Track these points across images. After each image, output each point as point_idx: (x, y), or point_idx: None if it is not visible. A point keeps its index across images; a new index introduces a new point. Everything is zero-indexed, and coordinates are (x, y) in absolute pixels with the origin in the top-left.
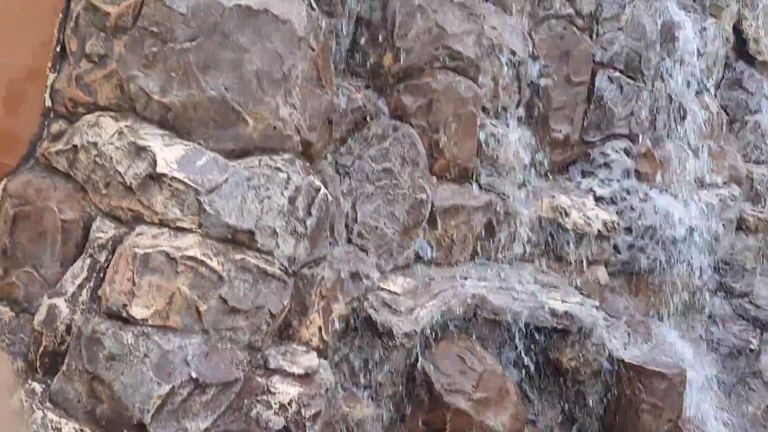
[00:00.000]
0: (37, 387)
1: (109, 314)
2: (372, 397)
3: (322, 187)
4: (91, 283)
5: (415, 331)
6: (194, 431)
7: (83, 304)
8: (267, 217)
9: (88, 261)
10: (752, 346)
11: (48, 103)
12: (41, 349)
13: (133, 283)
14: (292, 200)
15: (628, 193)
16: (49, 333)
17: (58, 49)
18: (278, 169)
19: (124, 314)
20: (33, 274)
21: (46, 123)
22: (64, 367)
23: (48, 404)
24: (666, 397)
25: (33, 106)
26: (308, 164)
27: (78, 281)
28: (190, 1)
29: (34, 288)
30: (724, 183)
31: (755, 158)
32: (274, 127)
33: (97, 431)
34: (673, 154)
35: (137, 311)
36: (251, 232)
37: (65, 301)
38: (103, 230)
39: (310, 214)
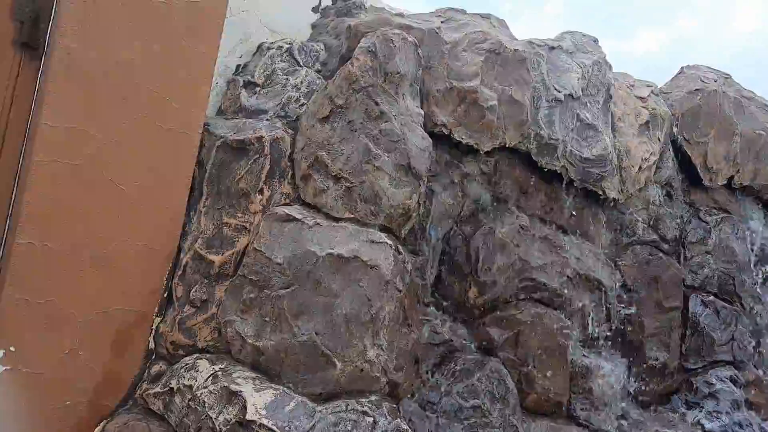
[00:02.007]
0: None
1: None
2: None
3: (410, 429)
4: None
5: None
6: None
7: None
8: None
9: None
10: None
11: (151, 345)
12: None
13: None
14: None
15: (741, 426)
16: None
17: (165, 295)
18: (365, 413)
19: None
20: None
21: (147, 365)
22: None
23: None
24: None
25: (137, 349)
26: (395, 406)
27: None
28: (286, 251)
29: None
30: None
31: None
32: (362, 370)
33: None
34: None
35: None
36: None
37: None
38: None
39: None
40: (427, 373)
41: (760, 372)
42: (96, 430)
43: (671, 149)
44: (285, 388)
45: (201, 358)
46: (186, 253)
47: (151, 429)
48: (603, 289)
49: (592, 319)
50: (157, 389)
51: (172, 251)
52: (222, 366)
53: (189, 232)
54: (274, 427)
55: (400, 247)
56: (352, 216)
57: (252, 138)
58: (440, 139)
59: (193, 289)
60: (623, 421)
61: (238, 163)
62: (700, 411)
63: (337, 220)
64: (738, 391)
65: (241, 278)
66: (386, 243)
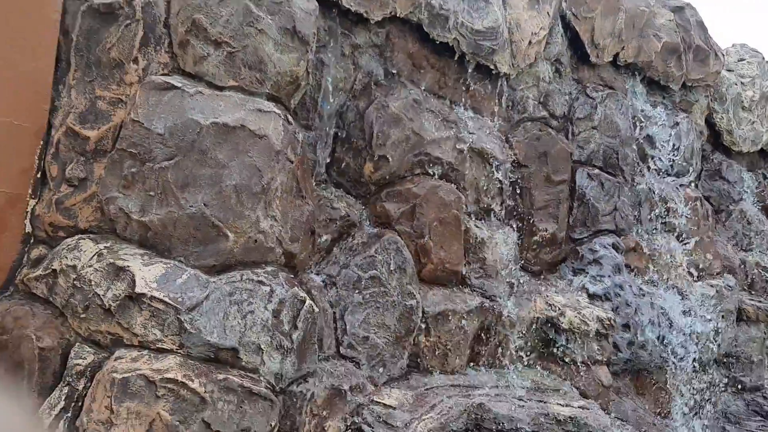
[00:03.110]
0: None
1: None
2: None
3: (308, 298)
4: (69, 414)
5: None
6: None
7: None
8: (251, 332)
9: (65, 390)
10: None
11: (28, 228)
12: None
13: (111, 411)
14: (276, 313)
15: (622, 288)
16: None
17: (38, 176)
18: (261, 282)
19: None
20: None
21: (26, 249)
22: None
23: None
24: None
25: (13, 233)
26: (292, 276)
27: (55, 411)
28: (167, 121)
29: None
30: (718, 273)
31: (746, 246)
32: (255, 240)
33: None
34: (662, 247)
35: None
36: (235, 350)
37: None
38: (82, 356)
39: (296, 327)
40: (325, 249)
41: (638, 238)
42: None
43: (560, 25)
44: (176, 262)
45: (84, 239)
46: (57, 129)
47: (35, 313)
48: (495, 163)
49: (485, 192)
50: (39, 272)
51: (42, 128)
52: (107, 245)
53: (59, 107)
54: (166, 299)
55: (289, 117)
56: (236, 84)
57: (121, 1)
58: (328, 6)
59: (69, 168)
60: (515, 289)
61: (107, 30)
62: (585, 276)
63: (220, 88)
64: (619, 257)
65: (120, 152)
66: (275, 112)
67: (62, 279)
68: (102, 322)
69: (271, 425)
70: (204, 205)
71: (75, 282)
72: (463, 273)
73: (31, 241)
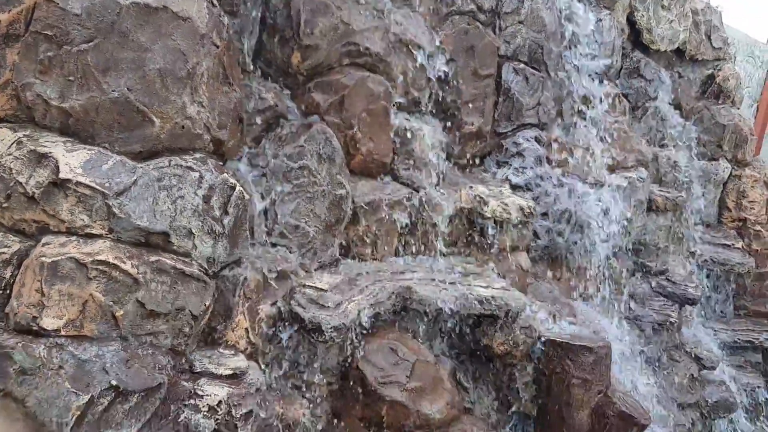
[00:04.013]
0: None
1: (19, 329)
2: (308, 398)
3: (238, 184)
4: None
5: (344, 324)
6: None
7: None
8: (181, 217)
9: None
10: (672, 319)
11: None
12: None
13: (42, 294)
14: (206, 199)
15: (542, 179)
16: None
17: None
18: (190, 168)
19: (35, 327)
20: None
21: None
22: None
23: None
24: (594, 369)
25: None
26: (221, 163)
27: None
28: (84, 1)
29: None
30: (632, 166)
31: (659, 142)
32: (183, 126)
33: None
34: (581, 141)
35: (48, 322)
36: (166, 234)
37: None
38: (7, 245)
39: (226, 212)
40: (253, 139)
41: (559, 132)
42: None
43: None
44: (100, 149)
45: (1, 128)
46: None
47: None
48: (423, 55)
49: (413, 84)
50: None
51: None
52: (26, 133)
53: None
54: (92, 184)
55: (214, 0)
56: None
57: None
58: None
59: None
60: (441, 180)
61: None
62: (509, 168)
63: None
64: (541, 149)
65: (34, 35)
66: None
67: None
68: (26, 210)
69: (205, 305)
70: (127, 89)
71: None
72: (392, 164)
73: None
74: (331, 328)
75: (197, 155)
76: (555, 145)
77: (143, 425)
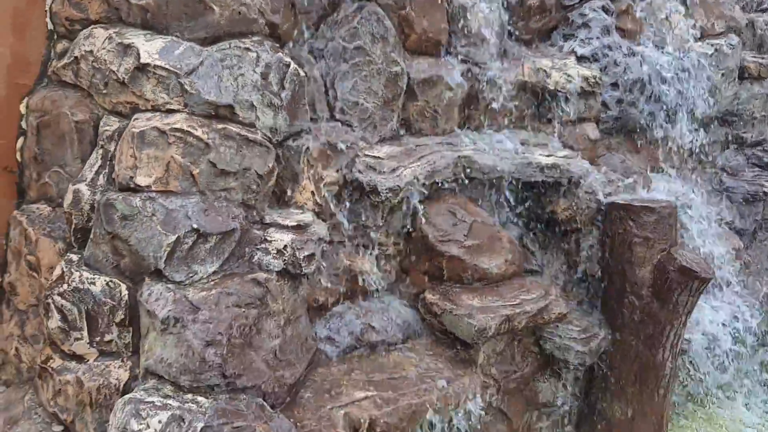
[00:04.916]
0: (74, 257)
1: (121, 188)
2: (376, 255)
3: (292, 62)
4: (106, 170)
5: (398, 186)
6: (203, 274)
7: (101, 187)
8: (243, 92)
9: (100, 152)
10: (766, 189)
11: (50, 26)
12: (72, 227)
13: (135, 158)
14: (264, 76)
15: (610, 49)
16: (77, 213)
17: None
18: (248, 49)
19: (132, 185)
20: (60, 173)
21: (51, 44)
22: (91, 236)
23: (84, 267)
24: (656, 228)
25: (38, 31)
26: (277, 45)
27: (95, 169)
28: None
29: (63, 184)
30: (721, 33)
31: (755, 8)
32: (239, 12)
33: (124, 281)
34: (656, 9)
35: (141, 180)
36: (231, 107)
37: (86, 185)
38: (109, 125)
39: (283, 87)
40: (313, 26)
41: (632, 1)
42: (21, 105)
43: None
44: (173, 37)
45: (96, 28)
46: None
47: (67, 95)
48: None
49: None
50: (65, 62)
51: None
52: (115, 30)
53: None
54: (167, 66)
55: None
56: None
57: None
58: None
59: None
60: (503, 56)
61: None
62: (574, 40)
63: None
64: (609, 19)
65: None
66: None
67: (83, 64)
68: (120, 93)
69: (269, 166)
70: None
71: (93, 64)
72: (449, 42)
73: (54, 36)
74: (386, 189)
75: (255, 38)
76: (626, 15)
77: (223, 262)
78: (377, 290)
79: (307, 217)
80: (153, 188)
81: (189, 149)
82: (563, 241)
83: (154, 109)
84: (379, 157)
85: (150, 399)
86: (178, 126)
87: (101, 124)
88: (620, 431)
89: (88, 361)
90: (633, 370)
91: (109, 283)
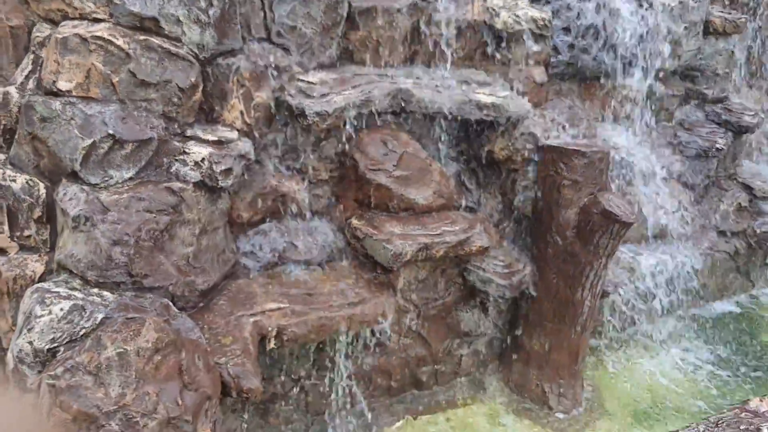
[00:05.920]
0: (2, 156)
1: (45, 92)
2: (309, 180)
3: None
4: (36, 75)
5: (326, 111)
6: (118, 179)
7: (30, 91)
8: (169, 6)
9: (31, 57)
10: (718, 146)
11: None
12: (1, 128)
13: (58, 64)
14: None
15: None
16: (6, 114)
17: None
18: None
19: (54, 89)
20: None
21: None
22: (16, 137)
23: (8, 165)
24: (585, 172)
25: None
26: None
27: (25, 73)
28: None
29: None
30: None
31: None
32: None
33: (42, 180)
34: None
35: (62, 85)
36: (155, 19)
37: (15, 88)
38: (41, 31)
39: (211, 4)
40: None
41: None
42: None
43: None
44: None
45: None
46: None
47: (5, 1)
48: None
49: None
50: None
51: None
52: None
53: None
54: None
55: None
56: None
57: None
58: None
59: None
60: None
61: None
62: None
63: None
64: None
65: None
66: None
67: None
68: (52, 1)
69: (191, 81)
70: None
71: None
72: None
73: None
74: (313, 113)
75: None
76: None
77: (140, 170)
78: (303, 212)
79: (232, 134)
80: (74, 93)
81: (110, 58)
82: (502, 181)
83: (82, 17)
84: (311, 82)
85: (56, 289)
86: (99, 34)
87: (34, 30)
88: (537, 362)
89: (9, 254)
90: (553, 306)
91: (29, 181)
